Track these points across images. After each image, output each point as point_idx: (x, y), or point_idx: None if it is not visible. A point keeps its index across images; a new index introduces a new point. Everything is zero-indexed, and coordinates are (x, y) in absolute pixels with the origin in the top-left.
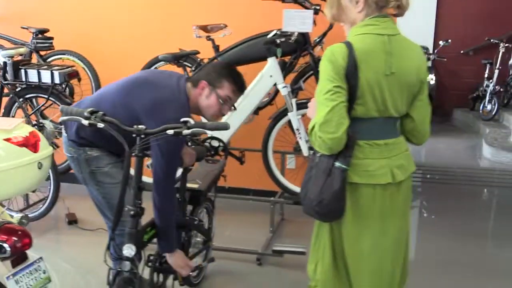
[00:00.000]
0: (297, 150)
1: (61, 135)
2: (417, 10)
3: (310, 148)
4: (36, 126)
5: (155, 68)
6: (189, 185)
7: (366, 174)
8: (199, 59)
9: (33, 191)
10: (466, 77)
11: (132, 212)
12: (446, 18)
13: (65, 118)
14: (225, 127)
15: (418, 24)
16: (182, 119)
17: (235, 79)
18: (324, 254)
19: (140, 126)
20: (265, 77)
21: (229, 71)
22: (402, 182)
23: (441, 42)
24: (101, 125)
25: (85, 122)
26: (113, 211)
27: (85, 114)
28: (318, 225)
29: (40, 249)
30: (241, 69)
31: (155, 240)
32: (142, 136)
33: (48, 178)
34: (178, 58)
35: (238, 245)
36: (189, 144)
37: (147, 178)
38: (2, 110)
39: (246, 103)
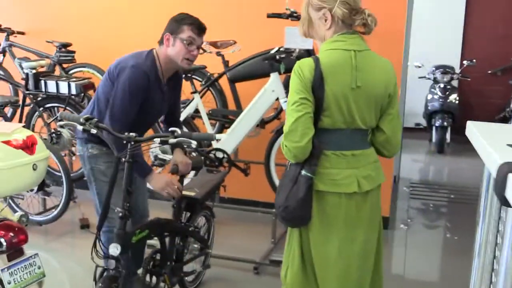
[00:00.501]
0: None
1: None
2: (444, 30)
3: None
4: (54, 134)
5: None
6: (185, 192)
7: (332, 183)
8: (208, 74)
9: (48, 195)
10: (493, 98)
11: (120, 214)
12: (473, 38)
13: (62, 123)
14: (211, 138)
15: (445, 43)
16: (170, 129)
17: (192, 20)
18: (293, 258)
19: (131, 134)
20: (268, 91)
21: (185, 16)
22: (369, 192)
23: (465, 62)
24: (93, 131)
25: (80, 127)
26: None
27: (81, 120)
28: (290, 231)
29: (55, 251)
30: (249, 84)
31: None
32: (132, 142)
33: (61, 184)
34: (185, 72)
35: (239, 254)
36: (192, 154)
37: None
38: (24, 119)
39: (249, 116)
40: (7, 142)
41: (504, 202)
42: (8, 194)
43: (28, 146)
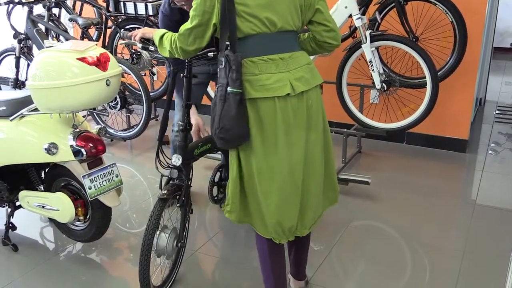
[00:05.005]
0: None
1: (158, 64)
2: None
3: (385, 82)
4: (135, 55)
5: None
6: None
7: (262, 88)
8: None
9: (130, 113)
10: None
11: (181, 127)
12: None
13: (123, 42)
14: None
15: None
16: None
17: None
18: (232, 171)
19: None
20: (340, 8)
21: None
22: (305, 93)
23: None
24: (152, 48)
25: (139, 45)
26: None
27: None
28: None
29: (138, 164)
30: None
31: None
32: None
33: (141, 103)
34: None
35: None
36: None
37: None
38: (107, 40)
39: None
40: (82, 59)
41: None
42: (84, 108)
43: (101, 63)
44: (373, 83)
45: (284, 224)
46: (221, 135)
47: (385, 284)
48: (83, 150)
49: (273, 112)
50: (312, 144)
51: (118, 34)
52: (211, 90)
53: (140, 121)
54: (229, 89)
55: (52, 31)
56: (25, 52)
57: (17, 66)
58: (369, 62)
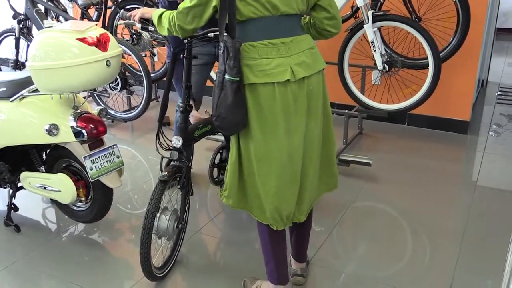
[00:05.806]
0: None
1: (158, 45)
2: None
3: (387, 63)
4: (135, 36)
5: None
6: None
7: (262, 74)
8: None
9: (131, 94)
10: None
11: (181, 109)
12: None
13: (121, 22)
14: None
15: None
16: None
17: None
18: (231, 156)
19: None
20: None
21: None
22: (306, 79)
23: None
24: (151, 28)
25: (138, 25)
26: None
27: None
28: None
29: (139, 145)
30: None
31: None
32: (188, 38)
33: (142, 84)
34: None
35: None
36: None
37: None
38: (107, 20)
39: None
40: (82, 40)
41: None
42: (84, 89)
43: (101, 43)
44: (375, 64)
45: (282, 210)
46: (217, 123)
47: (385, 264)
48: (84, 131)
49: (272, 98)
50: (310, 130)
51: (118, 15)
52: (213, 73)
53: (141, 102)
54: (226, 76)
55: (51, 12)
56: (25, 32)
57: (17, 47)
58: (371, 42)
